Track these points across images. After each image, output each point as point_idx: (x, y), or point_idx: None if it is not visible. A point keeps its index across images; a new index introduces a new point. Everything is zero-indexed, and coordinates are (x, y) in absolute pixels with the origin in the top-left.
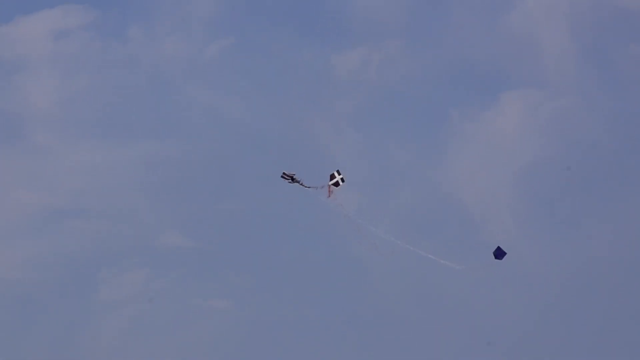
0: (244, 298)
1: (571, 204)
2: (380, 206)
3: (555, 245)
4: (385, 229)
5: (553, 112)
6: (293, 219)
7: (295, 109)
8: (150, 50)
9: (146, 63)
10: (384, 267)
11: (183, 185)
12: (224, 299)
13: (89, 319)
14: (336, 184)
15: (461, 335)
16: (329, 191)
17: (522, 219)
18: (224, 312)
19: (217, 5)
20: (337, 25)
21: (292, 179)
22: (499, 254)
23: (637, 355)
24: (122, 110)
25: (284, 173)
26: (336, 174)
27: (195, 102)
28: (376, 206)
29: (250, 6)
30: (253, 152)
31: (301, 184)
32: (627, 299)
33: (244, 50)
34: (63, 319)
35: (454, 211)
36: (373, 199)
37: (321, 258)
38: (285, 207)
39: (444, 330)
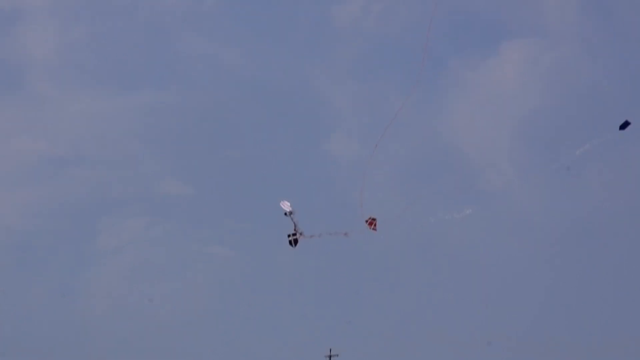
0: (244, 245)
1: (571, 152)
2: (378, 156)
3: (556, 194)
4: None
5: (553, 61)
6: (292, 166)
7: (294, 58)
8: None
9: (145, 12)
10: (380, 211)
11: (182, 133)
12: (224, 247)
13: (89, 267)
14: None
15: (461, 285)
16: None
17: (521, 167)
18: (224, 260)
19: None
20: None
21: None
22: (624, 124)
23: (637, 305)
24: (121, 59)
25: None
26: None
27: (194, 51)
28: (375, 156)
29: None
30: (252, 100)
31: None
32: (628, 247)
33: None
34: (62, 267)
35: (453, 160)
36: (372, 148)
37: (321, 206)
38: (285, 155)
39: (443, 280)
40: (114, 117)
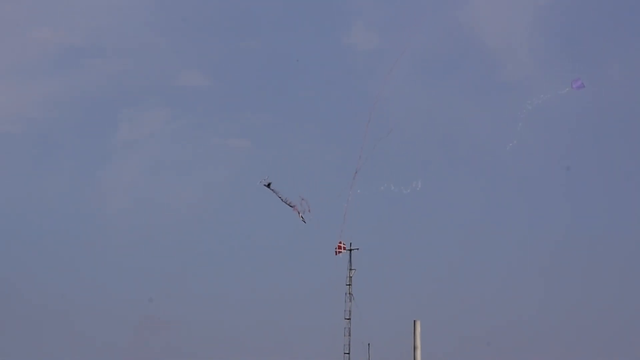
0: (262, 137)
1: (591, 44)
2: (400, 47)
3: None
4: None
5: None
6: (311, 58)
7: None
8: None
9: None
10: (399, 103)
11: (202, 24)
12: (243, 138)
13: (109, 158)
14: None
15: (477, 174)
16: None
17: (541, 58)
18: (243, 151)
19: None
20: None
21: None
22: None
23: None
24: None
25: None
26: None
27: None
28: (396, 47)
29: None
30: None
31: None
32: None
33: None
34: (83, 158)
35: (474, 51)
36: (393, 40)
37: (338, 96)
38: (303, 47)
39: (458, 173)
40: (133, 7)
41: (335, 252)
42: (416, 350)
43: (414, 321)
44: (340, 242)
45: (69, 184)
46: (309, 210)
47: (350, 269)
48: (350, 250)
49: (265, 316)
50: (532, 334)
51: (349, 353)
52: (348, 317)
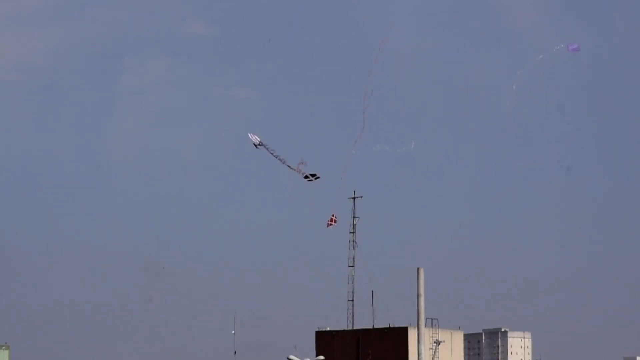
0: (265, 87)
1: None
2: None
3: (580, 34)
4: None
5: None
6: (314, 9)
7: None
8: None
9: None
10: (403, 58)
11: None
12: (246, 88)
13: (112, 107)
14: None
15: (485, 125)
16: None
17: (545, 6)
18: (245, 101)
19: None
20: None
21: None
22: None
23: None
24: None
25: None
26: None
27: None
28: None
29: None
30: None
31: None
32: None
33: None
34: (87, 107)
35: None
36: None
37: (342, 47)
38: None
39: (465, 124)
40: None
41: (327, 224)
42: (420, 297)
43: (418, 269)
44: (332, 215)
45: (73, 132)
46: (302, 172)
47: (354, 217)
48: (354, 198)
49: (268, 265)
50: (532, 283)
51: (352, 300)
52: (352, 265)
